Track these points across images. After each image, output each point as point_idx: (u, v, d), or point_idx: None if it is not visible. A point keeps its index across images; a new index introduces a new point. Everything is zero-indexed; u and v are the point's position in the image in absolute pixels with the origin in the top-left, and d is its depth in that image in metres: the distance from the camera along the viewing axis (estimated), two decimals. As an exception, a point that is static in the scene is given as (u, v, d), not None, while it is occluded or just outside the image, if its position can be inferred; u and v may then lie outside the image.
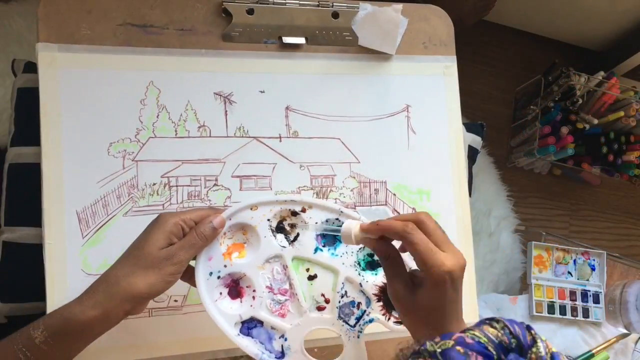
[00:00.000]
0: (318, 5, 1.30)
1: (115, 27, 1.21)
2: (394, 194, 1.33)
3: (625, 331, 2.00)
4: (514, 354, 0.72)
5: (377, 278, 1.12)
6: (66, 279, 1.13)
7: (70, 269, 1.13)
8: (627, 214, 3.10)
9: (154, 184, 1.20)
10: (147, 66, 1.22)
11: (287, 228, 1.10)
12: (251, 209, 1.06)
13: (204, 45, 1.25)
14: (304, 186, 1.27)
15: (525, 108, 2.82)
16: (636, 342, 2.00)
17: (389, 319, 1.13)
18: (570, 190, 3.02)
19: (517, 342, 0.74)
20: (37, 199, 1.15)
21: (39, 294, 1.13)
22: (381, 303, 1.12)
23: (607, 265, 2.10)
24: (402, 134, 1.35)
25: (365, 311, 1.12)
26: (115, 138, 1.19)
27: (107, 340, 1.12)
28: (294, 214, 1.09)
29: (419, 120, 1.36)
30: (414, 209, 1.34)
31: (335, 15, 1.32)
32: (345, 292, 1.12)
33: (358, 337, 1.11)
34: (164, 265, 0.95)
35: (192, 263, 1.03)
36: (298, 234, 1.10)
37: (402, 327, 1.10)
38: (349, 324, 1.12)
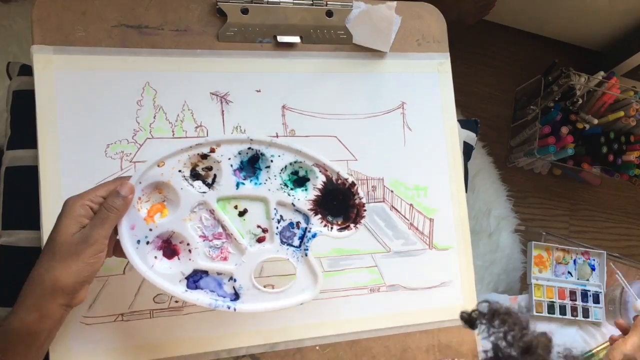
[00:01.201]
0: (312, 4, 1.31)
1: (110, 28, 1.21)
2: (392, 191, 1.33)
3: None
4: None
5: (307, 193, 1.12)
6: (65, 280, 1.12)
7: (70, 271, 1.13)
8: (627, 214, 3.10)
9: (152, 185, 1.20)
10: (142, 67, 1.22)
11: (202, 173, 1.08)
12: (158, 165, 1.04)
13: (199, 46, 1.25)
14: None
15: (525, 108, 2.81)
16: (636, 342, 1.99)
17: (331, 228, 1.14)
18: (570, 190, 3.02)
19: None
20: (35, 202, 1.15)
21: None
22: (319, 216, 1.12)
23: (607, 265, 2.09)
24: (398, 131, 1.35)
25: (306, 228, 1.13)
26: (113, 139, 1.18)
27: (108, 342, 1.13)
28: (204, 156, 1.07)
29: (415, 117, 1.37)
30: (411, 205, 1.34)
31: (329, 13, 1.32)
32: (281, 216, 1.12)
33: (306, 254, 1.12)
34: (81, 249, 0.93)
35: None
36: (215, 175, 1.08)
37: (346, 233, 1.13)
38: (293, 246, 1.12)
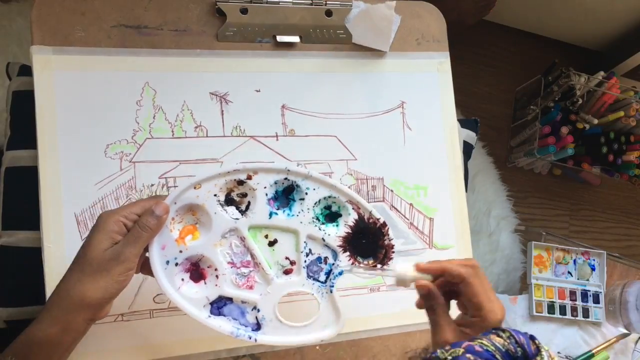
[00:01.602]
0: (311, 4, 1.30)
1: (110, 28, 1.21)
2: (391, 190, 1.33)
3: (625, 331, 2.00)
4: None
5: (338, 229, 1.11)
6: (65, 281, 1.12)
7: (69, 271, 1.13)
8: (627, 214, 3.10)
9: (152, 185, 1.20)
10: (142, 67, 1.22)
11: (237, 199, 1.07)
12: (195, 187, 1.03)
13: (199, 46, 1.25)
14: (301, 185, 1.27)
15: (525, 108, 2.82)
16: (636, 342, 2.00)
17: (358, 266, 1.11)
18: (570, 190, 3.02)
19: (523, 350, 0.76)
20: (35, 202, 1.15)
21: (39, 298, 1.12)
22: (347, 253, 1.10)
23: (607, 265, 2.09)
24: (397, 131, 1.35)
25: (333, 264, 1.11)
26: (112, 139, 1.18)
27: (108, 342, 1.13)
28: (240, 182, 1.06)
29: (414, 116, 1.36)
30: (411, 204, 1.34)
31: (329, 13, 1.32)
32: (310, 250, 1.10)
33: (331, 291, 1.10)
34: (112, 266, 0.93)
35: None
36: (249, 203, 1.07)
37: (374, 272, 1.11)
38: (319, 281, 1.10)
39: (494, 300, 0.94)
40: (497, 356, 0.74)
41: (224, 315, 1.06)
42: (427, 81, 1.39)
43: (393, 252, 1.11)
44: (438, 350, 0.76)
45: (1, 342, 0.95)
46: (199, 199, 1.04)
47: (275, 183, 1.08)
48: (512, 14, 2.89)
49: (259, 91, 1.27)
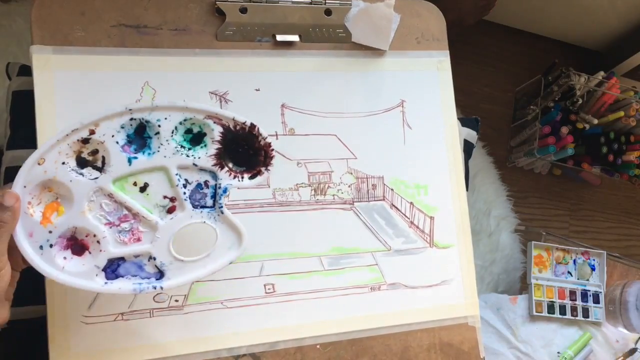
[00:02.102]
0: (311, 3, 1.30)
1: (109, 28, 1.21)
2: (392, 189, 1.33)
3: (625, 331, 2.00)
4: None
5: (208, 149, 1.05)
6: (65, 281, 1.12)
7: (69, 271, 1.12)
8: (627, 214, 3.10)
9: (151, 184, 1.19)
10: (141, 67, 1.22)
11: (89, 158, 1.00)
12: (39, 163, 0.95)
13: (198, 45, 1.25)
14: (302, 183, 1.27)
15: (525, 108, 2.82)
16: (636, 342, 2.00)
17: (242, 178, 1.07)
18: (570, 190, 3.02)
19: None
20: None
21: (38, 298, 1.12)
22: (226, 169, 1.06)
23: (607, 265, 2.10)
24: (397, 129, 1.35)
25: (215, 185, 1.06)
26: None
27: (107, 342, 1.13)
28: (85, 141, 0.99)
29: (415, 115, 1.36)
30: (411, 203, 1.34)
31: (328, 12, 1.32)
32: (185, 180, 1.04)
33: (222, 212, 1.05)
34: None
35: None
36: (104, 157, 1.00)
37: (259, 179, 1.07)
38: (207, 207, 1.06)
39: None
40: None
41: (122, 276, 1.01)
42: (427, 80, 1.39)
43: (272, 149, 1.07)
44: None
45: (1, 342, 0.95)
46: (47, 173, 0.96)
47: (123, 127, 1.01)
48: (512, 14, 2.90)
49: (259, 90, 1.27)
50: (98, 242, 0.99)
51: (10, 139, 1.34)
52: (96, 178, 0.99)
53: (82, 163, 0.99)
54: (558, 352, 1.98)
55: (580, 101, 2.66)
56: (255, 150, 1.07)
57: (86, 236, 1.00)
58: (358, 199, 1.31)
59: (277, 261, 1.23)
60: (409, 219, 1.33)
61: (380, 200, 1.32)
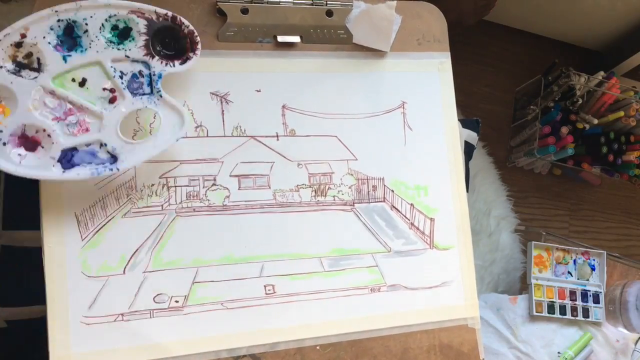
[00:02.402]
0: (312, 4, 1.30)
1: (111, 28, 1.21)
2: (392, 190, 1.33)
3: (625, 331, 2.00)
4: None
5: (136, 42, 1.13)
6: (66, 281, 1.12)
7: (70, 271, 1.13)
8: (627, 214, 3.10)
9: (153, 185, 1.20)
10: (143, 67, 1.23)
11: (24, 61, 1.08)
12: None
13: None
14: (303, 184, 1.27)
15: (525, 108, 2.82)
16: (636, 342, 2.00)
17: (173, 64, 1.15)
18: (570, 190, 3.02)
19: None
20: (35, 202, 1.15)
21: (38, 298, 1.12)
22: (157, 57, 1.14)
23: (607, 265, 2.10)
24: (398, 131, 1.35)
25: (150, 73, 1.14)
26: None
27: (107, 342, 1.13)
28: (18, 45, 1.07)
29: (415, 116, 1.36)
30: (412, 204, 1.34)
31: (329, 13, 1.31)
32: (121, 72, 1.13)
33: (161, 96, 1.14)
34: None
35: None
36: (39, 58, 1.08)
37: (189, 63, 1.16)
38: (146, 93, 1.14)
39: None
40: None
41: (78, 165, 1.08)
42: (428, 81, 1.38)
43: (196, 36, 1.16)
44: None
45: (1, 342, 0.95)
46: None
47: (52, 29, 1.08)
48: (512, 14, 2.89)
49: (260, 91, 1.27)
50: (49, 135, 1.06)
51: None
52: (35, 78, 1.07)
53: (19, 65, 1.06)
54: (558, 352, 1.98)
55: (580, 101, 2.66)
56: (180, 39, 1.16)
57: (36, 132, 1.07)
58: (358, 200, 1.31)
59: (277, 262, 1.23)
60: (409, 220, 1.33)
61: (381, 201, 1.32)
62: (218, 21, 1.25)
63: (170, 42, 1.17)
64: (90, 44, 1.10)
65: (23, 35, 1.06)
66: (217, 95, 1.24)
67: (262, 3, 1.27)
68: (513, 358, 1.97)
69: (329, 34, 1.32)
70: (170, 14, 1.14)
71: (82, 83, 1.10)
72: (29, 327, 1.12)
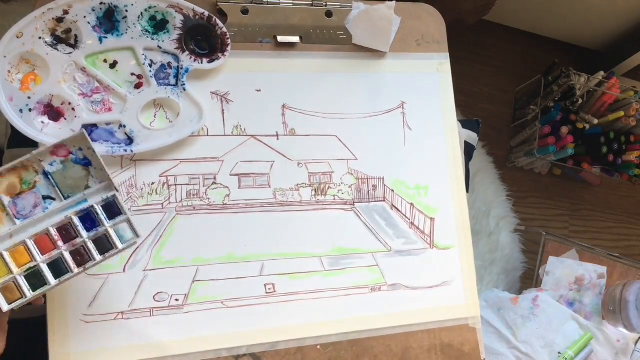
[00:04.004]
0: (312, 5, 1.31)
1: (112, 29, 1.22)
2: (392, 190, 1.33)
3: (625, 331, 2.00)
4: None
5: (170, 35, 1.19)
6: (66, 280, 1.12)
7: (70, 269, 1.13)
8: (627, 214, 3.10)
9: (153, 183, 1.20)
10: (144, 67, 1.23)
11: (63, 36, 1.13)
12: (17, 37, 1.09)
13: (200, 45, 1.25)
14: (303, 183, 1.27)
15: (525, 108, 2.82)
16: (636, 342, 2.00)
17: (202, 61, 1.21)
18: (570, 190, 3.02)
19: None
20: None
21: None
22: (187, 52, 1.20)
23: (607, 265, 2.10)
24: (398, 131, 1.35)
25: (178, 66, 1.19)
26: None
27: (107, 341, 1.13)
28: (60, 20, 1.12)
29: (415, 116, 1.37)
30: (412, 204, 1.34)
31: (329, 14, 1.32)
32: (151, 60, 1.19)
33: (184, 89, 1.19)
34: None
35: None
36: (76, 35, 1.14)
37: (218, 62, 1.22)
38: (171, 85, 1.19)
39: None
40: None
41: (95, 141, 1.12)
42: (427, 82, 1.39)
43: (228, 38, 1.22)
44: None
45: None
46: (25, 46, 1.10)
47: (94, 10, 1.15)
48: (512, 14, 2.90)
49: (260, 91, 1.27)
50: (73, 109, 1.12)
51: (10, 138, 1.34)
52: (70, 53, 1.14)
53: (57, 39, 1.13)
54: (559, 353, 1.98)
55: (580, 101, 2.66)
56: (212, 38, 1.22)
57: (62, 104, 1.13)
58: (358, 200, 1.31)
59: (278, 261, 1.23)
60: (409, 219, 1.33)
61: (381, 201, 1.32)
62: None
63: (203, 40, 1.22)
64: (127, 29, 1.16)
65: (65, 12, 1.12)
66: (217, 94, 1.24)
67: (262, 4, 1.27)
68: (513, 358, 1.97)
69: (328, 35, 1.32)
70: (206, 13, 1.19)
71: (113, 65, 1.16)
72: (28, 326, 1.12)
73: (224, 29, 1.21)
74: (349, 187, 1.30)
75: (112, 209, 1.04)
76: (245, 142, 1.25)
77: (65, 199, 1.04)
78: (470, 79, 2.91)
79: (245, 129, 1.25)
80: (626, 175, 2.73)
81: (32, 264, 1.00)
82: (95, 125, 1.13)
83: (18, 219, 1.01)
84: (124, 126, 1.15)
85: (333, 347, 1.23)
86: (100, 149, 1.11)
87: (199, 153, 1.22)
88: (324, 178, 1.29)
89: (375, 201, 1.32)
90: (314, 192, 1.28)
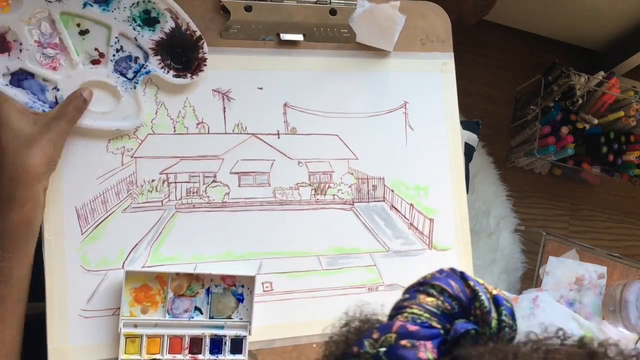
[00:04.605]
0: (316, 2, 1.30)
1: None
2: (392, 190, 1.33)
3: (625, 331, 2.00)
4: (460, 322, 0.65)
5: (153, 34, 1.17)
6: (65, 275, 1.12)
7: (70, 265, 1.13)
8: (627, 214, 3.11)
9: (153, 181, 1.20)
10: (145, 63, 1.23)
11: None
12: None
13: (202, 42, 1.25)
14: (302, 182, 1.27)
15: (525, 108, 2.82)
16: (636, 342, 2.00)
17: (167, 72, 1.18)
18: (570, 190, 3.03)
19: (459, 303, 0.67)
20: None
21: (39, 293, 1.12)
22: (159, 57, 1.17)
23: (607, 265, 2.10)
24: (399, 131, 1.35)
25: (143, 65, 1.17)
26: (114, 135, 1.18)
27: (106, 335, 1.13)
28: None
29: (417, 116, 1.36)
30: (411, 205, 1.34)
31: (333, 12, 1.31)
32: (121, 46, 1.16)
33: (134, 87, 1.17)
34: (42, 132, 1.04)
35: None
36: None
37: (180, 80, 1.19)
38: (126, 77, 1.17)
39: None
40: (434, 323, 0.64)
41: (23, 88, 1.10)
42: (431, 81, 1.38)
43: (205, 65, 1.21)
44: (365, 342, 0.63)
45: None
46: None
47: None
48: (512, 14, 2.90)
49: (262, 89, 1.27)
50: (21, 50, 1.09)
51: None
52: (50, 1, 1.10)
53: None
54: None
55: (580, 101, 2.66)
56: (191, 58, 1.20)
57: (14, 41, 1.09)
58: (358, 200, 1.31)
59: (276, 260, 1.23)
60: (408, 220, 1.33)
61: (380, 201, 1.32)
62: (221, 18, 1.25)
63: (182, 55, 1.19)
64: (115, 9, 1.14)
65: None
66: (219, 92, 1.24)
67: (266, 1, 1.27)
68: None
69: (332, 33, 1.32)
70: (198, 33, 1.19)
71: (83, 32, 1.14)
72: (28, 322, 1.12)
73: (206, 55, 1.20)
74: (349, 186, 1.30)
75: (238, 346, 1.19)
76: (246, 141, 1.25)
77: (210, 318, 1.18)
78: (471, 79, 2.91)
79: (246, 127, 1.25)
80: (626, 175, 2.73)
81: (157, 357, 1.14)
82: (32, 75, 1.11)
83: (169, 314, 1.16)
84: (58, 90, 1.12)
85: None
86: (22, 97, 1.09)
87: (200, 151, 1.22)
88: (323, 177, 1.29)
89: (374, 201, 1.32)
90: (313, 192, 1.28)
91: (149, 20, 1.16)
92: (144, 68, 1.17)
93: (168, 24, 1.16)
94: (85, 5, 1.12)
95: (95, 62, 1.15)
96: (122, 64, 1.16)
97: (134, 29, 1.15)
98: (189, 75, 1.19)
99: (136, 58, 1.17)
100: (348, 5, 1.32)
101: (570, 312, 2.05)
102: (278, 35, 1.28)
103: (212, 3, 1.25)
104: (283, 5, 1.28)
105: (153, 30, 1.17)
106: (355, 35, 1.33)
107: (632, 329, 1.97)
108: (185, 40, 1.18)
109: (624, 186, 3.09)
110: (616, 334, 2.03)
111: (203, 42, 1.19)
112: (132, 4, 1.14)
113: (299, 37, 1.29)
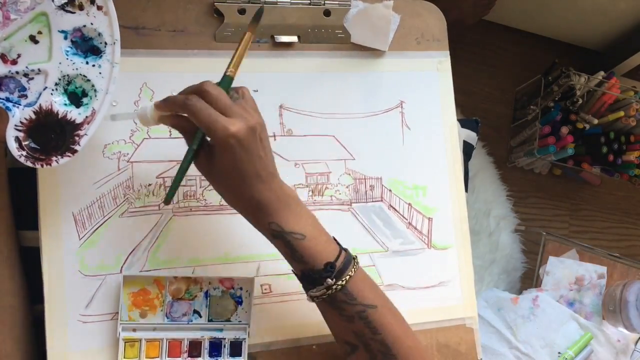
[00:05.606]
0: (309, 4, 1.30)
1: (108, 28, 1.22)
2: (390, 190, 1.33)
3: (625, 331, 2.00)
4: None
5: (55, 97, 1.03)
6: (63, 280, 1.12)
7: (67, 270, 1.13)
8: (627, 214, 3.10)
9: (150, 185, 1.20)
10: (140, 68, 1.22)
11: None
12: None
13: (197, 46, 1.24)
14: (300, 184, 1.27)
15: (525, 108, 2.82)
16: (636, 342, 2.00)
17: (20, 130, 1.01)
18: (570, 190, 3.03)
19: None
20: (34, 202, 1.15)
21: (37, 297, 1.13)
22: (19, 109, 1.01)
23: (607, 265, 2.10)
24: (396, 130, 1.35)
25: (6, 98, 1.01)
26: (110, 140, 1.18)
27: (105, 340, 1.13)
28: None
29: (414, 116, 1.36)
30: (409, 204, 1.34)
31: (327, 13, 1.31)
32: (18, 54, 1.01)
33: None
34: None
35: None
36: None
37: (12, 147, 0.99)
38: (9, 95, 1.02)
39: (222, 118, 0.94)
40: None
41: None
42: (427, 80, 1.38)
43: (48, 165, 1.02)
44: None
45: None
46: None
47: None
48: (512, 14, 2.90)
49: (257, 91, 1.27)
50: None
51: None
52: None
53: None
54: (559, 353, 1.98)
55: (580, 101, 2.66)
56: (57, 147, 1.02)
57: None
58: (356, 200, 1.31)
59: (274, 262, 1.22)
60: (407, 220, 1.33)
61: (378, 201, 1.32)
62: (215, 21, 1.25)
63: (49, 136, 1.03)
64: (60, 63, 1.03)
65: None
66: (214, 95, 1.24)
67: (260, 3, 1.27)
68: (513, 358, 1.97)
69: (326, 34, 1.32)
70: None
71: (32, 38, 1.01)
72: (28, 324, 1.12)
73: (78, 146, 1.02)
74: (346, 187, 1.30)
75: (237, 349, 1.19)
76: (242, 143, 1.25)
77: (208, 321, 1.18)
78: (470, 79, 2.91)
79: (243, 128, 1.25)
80: (626, 175, 2.73)
81: None
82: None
83: (167, 317, 1.16)
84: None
85: (328, 348, 1.23)
86: None
87: (196, 154, 1.22)
88: (321, 178, 1.29)
89: (372, 201, 1.32)
90: (310, 193, 1.28)
91: (72, 95, 1.05)
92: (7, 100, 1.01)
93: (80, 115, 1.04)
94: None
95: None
96: (12, 84, 1.02)
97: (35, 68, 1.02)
98: (33, 161, 1.01)
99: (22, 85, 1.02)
100: (342, 6, 1.32)
101: (570, 312, 2.05)
102: (272, 37, 1.28)
103: (205, 6, 1.25)
104: (277, 7, 1.28)
105: (78, 105, 1.05)
106: (349, 36, 1.33)
107: (632, 329, 1.97)
108: (69, 128, 1.03)
109: (624, 186, 3.09)
110: (616, 334, 2.03)
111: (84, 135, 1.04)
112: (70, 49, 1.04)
113: (293, 38, 1.30)
